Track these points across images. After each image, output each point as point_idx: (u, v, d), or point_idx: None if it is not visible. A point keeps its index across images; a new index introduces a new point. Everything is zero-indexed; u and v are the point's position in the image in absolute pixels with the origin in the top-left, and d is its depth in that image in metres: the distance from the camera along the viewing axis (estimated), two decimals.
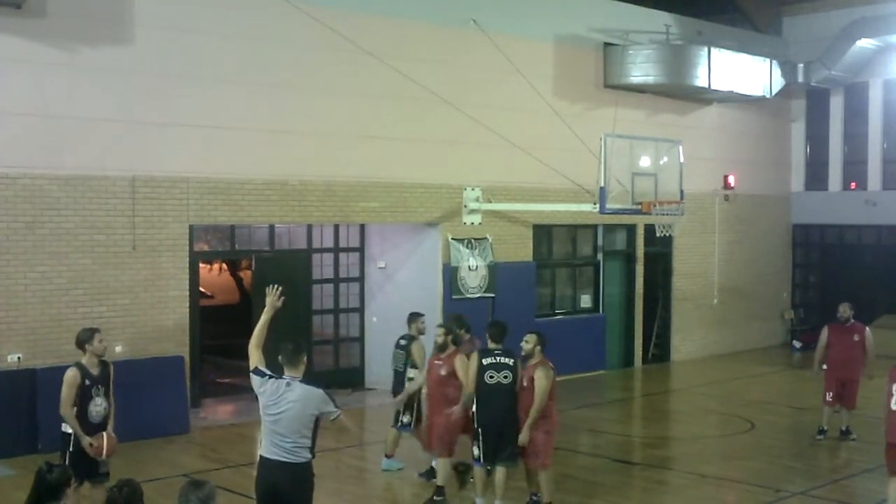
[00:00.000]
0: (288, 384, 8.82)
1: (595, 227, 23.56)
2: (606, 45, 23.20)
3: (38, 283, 15.21)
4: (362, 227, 20.91)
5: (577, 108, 22.22)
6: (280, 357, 9.02)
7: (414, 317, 14.58)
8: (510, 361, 12.13)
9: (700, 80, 23.56)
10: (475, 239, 20.60)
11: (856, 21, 26.24)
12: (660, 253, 24.81)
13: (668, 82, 23.40)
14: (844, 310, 16.84)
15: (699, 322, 25.86)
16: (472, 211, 20.52)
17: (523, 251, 21.76)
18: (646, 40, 23.48)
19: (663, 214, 19.76)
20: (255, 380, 9.00)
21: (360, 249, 21.21)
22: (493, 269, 20.85)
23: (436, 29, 19.91)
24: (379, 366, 20.65)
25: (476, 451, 12.31)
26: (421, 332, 14.38)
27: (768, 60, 25.65)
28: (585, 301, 23.54)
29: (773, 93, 26.06)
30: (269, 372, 8.94)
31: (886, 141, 27.83)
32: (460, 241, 20.35)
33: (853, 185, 28.42)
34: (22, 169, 15.01)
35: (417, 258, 20.58)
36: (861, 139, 28.20)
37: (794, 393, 21.49)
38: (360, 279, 21.23)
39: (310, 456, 8.82)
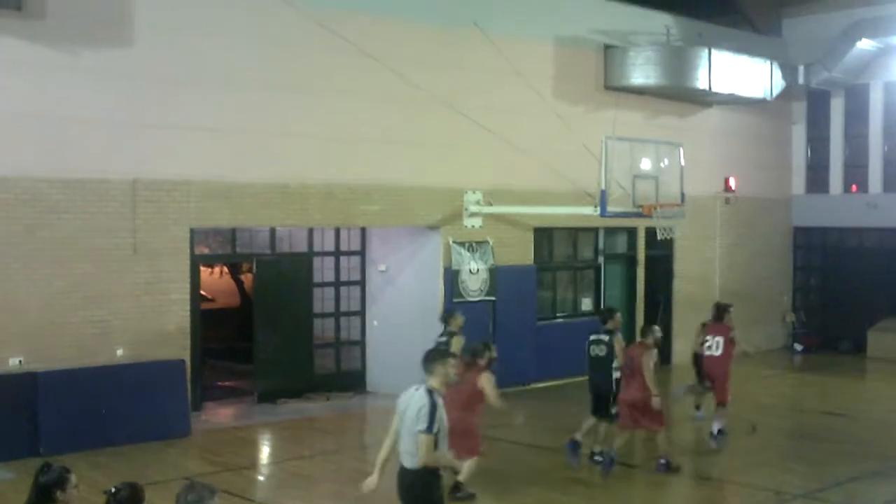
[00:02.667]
0: (416, 388, 8.92)
1: (596, 230, 23.53)
2: (607, 46, 23.18)
3: (39, 287, 15.17)
4: (363, 230, 20.87)
5: (578, 110, 22.21)
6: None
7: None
8: (606, 338, 14.86)
9: (701, 83, 23.53)
10: (476, 242, 20.57)
11: (856, 22, 26.21)
12: (661, 256, 24.78)
13: (668, 84, 23.36)
14: None
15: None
16: (473, 214, 20.48)
17: (524, 254, 21.73)
18: (646, 42, 23.45)
19: (664, 217, 19.72)
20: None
21: (361, 252, 21.18)
22: (494, 272, 20.80)
23: (436, 31, 19.89)
24: (381, 369, 20.65)
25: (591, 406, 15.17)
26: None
27: (769, 62, 25.62)
28: (587, 304, 23.50)
29: (774, 95, 26.03)
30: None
31: (887, 143, 27.81)
32: (461, 244, 20.32)
33: (854, 187, 28.39)
34: (22, 172, 14.98)
35: (418, 261, 20.53)
36: (862, 141, 28.19)
37: (795, 396, 21.47)
38: (361, 282, 21.19)
39: (415, 463, 8.79)
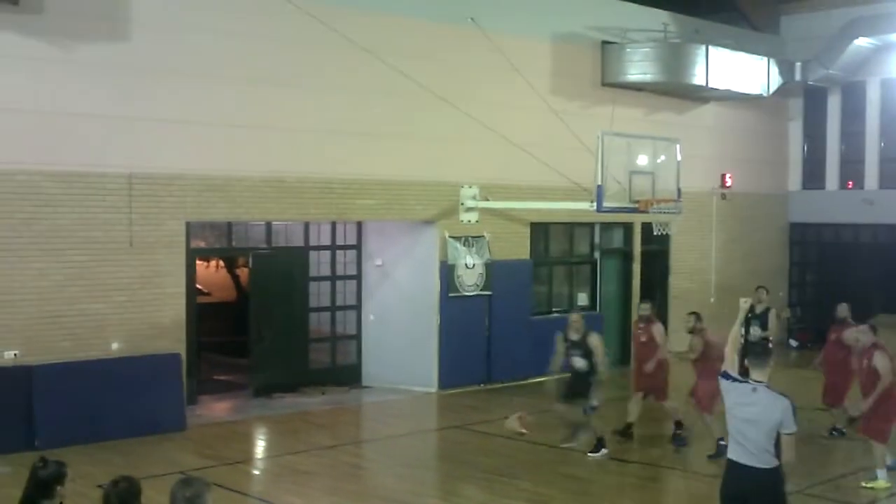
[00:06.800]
0: (754, 387, 8.84)
1: (592, 225, 23.52)
2: (604, 43, 23.17)
3: (35, 280, 15.18)
4: (359, 224, 20.87)
5: (575, 106, 22.18)
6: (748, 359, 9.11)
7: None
8: None
9: (697, 79, 23.56)
10: (472, 237, 20.56)
11: (854, 20, 26.21)
12: (657, 251, 24.78)
13: (665, 80, 23.38)
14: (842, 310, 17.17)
15: None
16: (470, 209, 20.46)
17: (520, 249, 21.74)
18: (643, 38, 23.44)
19: (660, 213, 19.73)
20: (722, 383, 9.07)
21: (358, 247, 21.17)
22: (491, 266, 20.81)
23: (433, 26, 19.87)
24: (376, 363, 20.65)
25: None
26: None
27: (766, 59, 25.62)
28: (583, 299, 23.49)
29: (771, 91, 26.03)
30: (734, 376, 8.99)
31: (884, 140, 27.84)
32: (457, 238, 20.32)
33: (850, 183, 28.43)
34: (19, 165, 14.99)
35: (415, 256, 20.54)
36: (858, 138, 28.21)
37: (790, 392, 21.39)
38: (358, 276, 21.17)
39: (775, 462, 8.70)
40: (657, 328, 16.37)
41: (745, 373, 9.05)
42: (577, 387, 14.92)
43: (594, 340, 14.95)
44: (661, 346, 16.16)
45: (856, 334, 14.86)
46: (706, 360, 15.09)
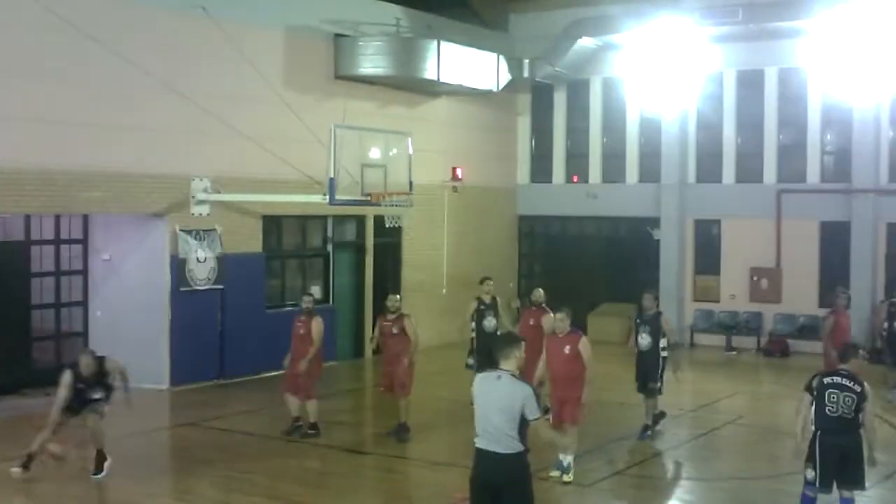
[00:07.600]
0: (498, 376, 8.91)
1: (325, 218, 23.55)
2: (337, 36, 23.22)
3: None
4: (85, 217, 20.15)
5: (308, 99, 22.14)
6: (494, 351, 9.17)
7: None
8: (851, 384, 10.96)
9: (429, 73, 23.94)
10: (203, 230, 20.22)
11: (577, 20, 27.24)
12: (389, 244, 25.05)
13: (398, 74, 23.66)
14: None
15: (429, 311, 26.12)
16: (201, 202, 20.12)
17: (253, 242, 21.55)
18: (376, 32, 23.62)
19: (393, 206, 19.99)
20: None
21: (83, 241, 20.44)
22: (223, 260, 20.52)
23: (163, 15, 19.37)
24: None
25: None
26: None
27: (495, 55, 26.30)
28: (316, 292, 23.44)
29: (500, 87, 26.74)
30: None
31: (606, 136, 29.08)
32: (188, 232, 19.94)
33: (575, 178, 29.55)
34: None
35: (144, 250, 20.06)
36: (583, 134, 29.39)
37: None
38: (83, 272, 20.45)
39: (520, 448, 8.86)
40: (409, 321, 16.50)
41: None
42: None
43: (114, 367, 14.47)
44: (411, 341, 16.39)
45: (554, 321, 14.71)
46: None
